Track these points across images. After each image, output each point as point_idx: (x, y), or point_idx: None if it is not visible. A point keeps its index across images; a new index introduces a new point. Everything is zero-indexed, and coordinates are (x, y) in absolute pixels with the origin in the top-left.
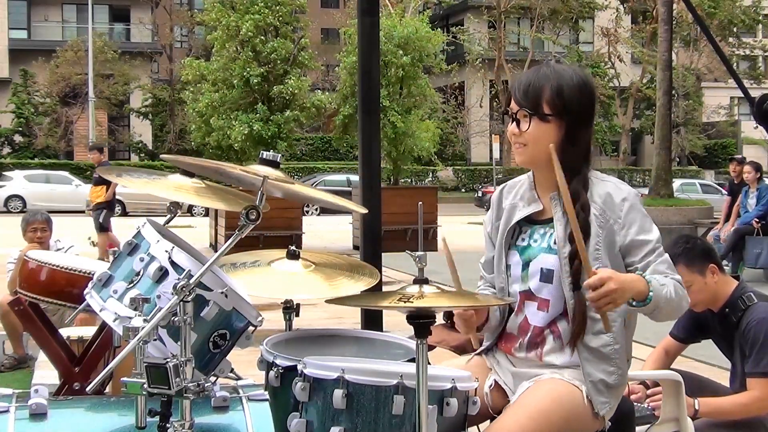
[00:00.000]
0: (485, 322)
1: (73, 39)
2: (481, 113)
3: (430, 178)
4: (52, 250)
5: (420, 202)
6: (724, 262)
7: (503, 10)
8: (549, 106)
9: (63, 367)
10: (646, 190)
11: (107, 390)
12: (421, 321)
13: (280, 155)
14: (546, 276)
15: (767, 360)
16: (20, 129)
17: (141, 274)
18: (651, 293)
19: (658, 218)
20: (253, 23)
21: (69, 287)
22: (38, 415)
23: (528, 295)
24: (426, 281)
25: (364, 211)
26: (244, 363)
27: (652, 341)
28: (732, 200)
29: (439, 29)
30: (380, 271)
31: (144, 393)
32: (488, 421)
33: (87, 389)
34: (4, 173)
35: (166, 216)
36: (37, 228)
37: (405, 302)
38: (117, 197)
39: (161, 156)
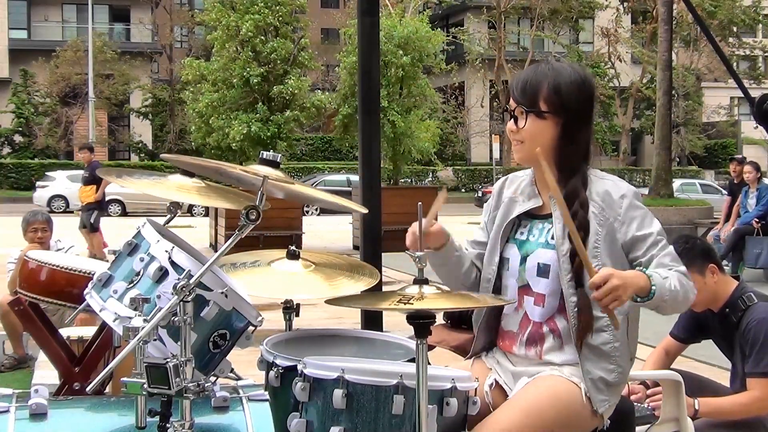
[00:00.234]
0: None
1: (73, 39)
2: (481, 113)
3: (430, 178)
4: (52, 250)
5: (420, 202)
6: (724, 262)
7: (503, 10)
8: (546, 104)
9: (63, 367)
10: (646, 190)
11: (107, 390)
12: (421, 321)
13: (280, 155)
14: (542, 270)
15: (767, 360)
16: (20, 129)
17: (141, 274)
18: (654, 287)
19: (658, 218)
20: (253, 23)
21: (69, 287)
22: (38, 415)
23: (526, 290)
24: (426, 281)
25: (364, 211)
26: (244, 363)
27: (652, 341)
28: (732, 200)
29: (439, 29)
30: (380, 271)
31: (144, 393)
32: None
33: (87, 389)
34: (47, 173)
35: (166, 216)
36: (38, 228)
37: (405, 303)
38: (117, 197)
39: (161, 155)
